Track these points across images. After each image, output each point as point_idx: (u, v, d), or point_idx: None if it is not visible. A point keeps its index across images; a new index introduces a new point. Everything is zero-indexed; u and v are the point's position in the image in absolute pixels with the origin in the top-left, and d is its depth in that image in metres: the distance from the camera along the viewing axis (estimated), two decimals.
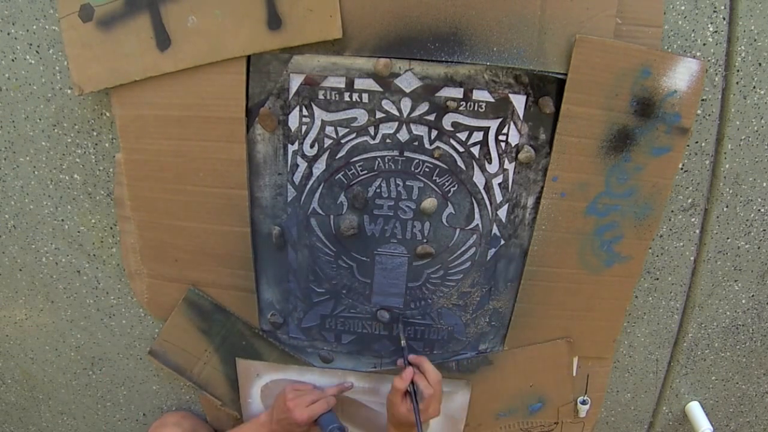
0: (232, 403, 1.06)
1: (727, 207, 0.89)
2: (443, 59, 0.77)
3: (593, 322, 0.96)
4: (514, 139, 0.83)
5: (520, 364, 0.99)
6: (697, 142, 0.85)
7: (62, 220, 0.94)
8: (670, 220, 0.90)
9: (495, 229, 0.89)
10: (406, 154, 0.84)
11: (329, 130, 0.83)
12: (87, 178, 0.90)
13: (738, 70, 0.80)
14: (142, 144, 0.84)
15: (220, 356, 1.01)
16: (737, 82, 0.80)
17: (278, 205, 0.89)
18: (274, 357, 1.00)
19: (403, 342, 0.92)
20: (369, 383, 1.01)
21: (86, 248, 0.96)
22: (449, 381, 1.00)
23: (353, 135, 0.83)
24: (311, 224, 0.89)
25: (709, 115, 0.83)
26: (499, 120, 0.81)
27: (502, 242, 0.90)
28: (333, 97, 0.81)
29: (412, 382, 0.85)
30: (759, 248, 0.93)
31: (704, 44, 0.78)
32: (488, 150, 0.83)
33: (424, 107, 0.81)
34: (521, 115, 0.81)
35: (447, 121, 0.81)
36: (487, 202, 0.87)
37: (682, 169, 0.86)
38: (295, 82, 0.80)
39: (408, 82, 0.79)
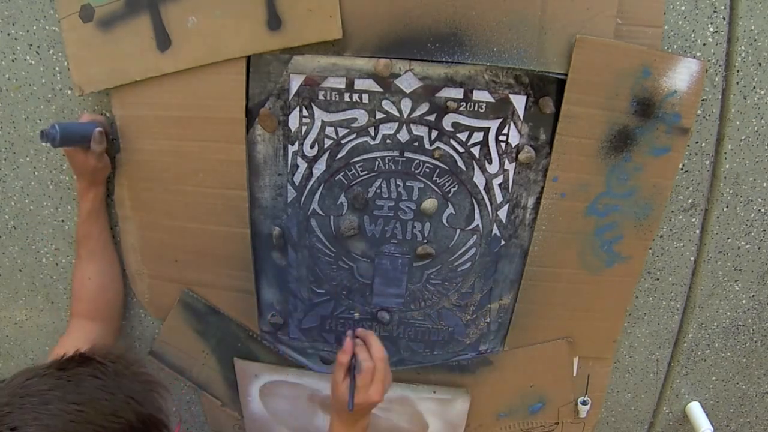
0: (233, 403, 1.06)
1: (727, 207, 0.89)
2: (443, 60, 0.77)
3: (593, 322, 0.96)
4: (514, 139, 0.83)
5: (521, 365, 0.99)
6: (697, 143, 0.85)
7: (62, 220, 0.94)
8: (670, 220, 0.90)
9: (495, 230, 0.89)
10: (407, 154, 0.84)
11: (329, 130, 0.82)
12: None
13: (738, 71, 0.80)
14: (142, 144, 0.84)
15: (216, 357, 1.01)
16: (737, 83, 0.80)
17: (278, 205, 0.88)
18: (269, 359, 1.00)
19: (356, 315, 0.88)
20: None
21: None
22: (449, 389, 0.99)
23: (353, 135, 0.83)
24: (311, 225, 0.89)
25: (709, 115, 0.83)
26: (500, 120, 0.81)
27: (503, 243, 0.90)
28: (333, 98, 0.80)
29: (355, 358, 0.78)
30: (759, 248, 0.93)
31: (704, 44, 0.78)
32: (488, 150, 0.83)
33: (424, 108, 0.80)
34: (521, 116, 0.81)
35: (447, 122, 0.81)
36: (488, 203, 0.87)
37: (682, 169, 0.86)
38: (296, 83, 0.80)
39: (408, 83, 0.79)
